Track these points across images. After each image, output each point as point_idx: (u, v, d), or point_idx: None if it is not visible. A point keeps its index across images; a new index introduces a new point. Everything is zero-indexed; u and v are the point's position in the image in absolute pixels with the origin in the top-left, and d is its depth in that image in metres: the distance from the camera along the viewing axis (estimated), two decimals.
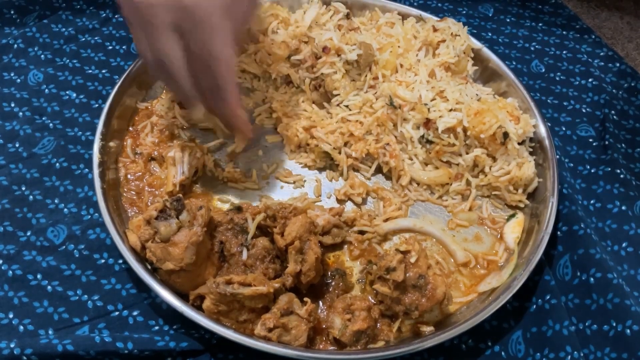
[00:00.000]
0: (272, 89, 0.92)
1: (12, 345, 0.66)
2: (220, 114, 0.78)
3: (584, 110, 0.99)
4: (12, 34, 0.99)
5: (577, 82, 1.04)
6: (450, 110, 0.83)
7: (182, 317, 0.68)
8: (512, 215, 0.84)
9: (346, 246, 0.80)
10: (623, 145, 0.94)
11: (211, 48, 0.68)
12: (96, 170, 0.78)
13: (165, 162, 0.82)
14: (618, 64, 1.06)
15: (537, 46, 1.09)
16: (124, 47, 1.00)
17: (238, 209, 0.76)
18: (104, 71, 0.96)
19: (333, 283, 0.76)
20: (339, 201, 0.85)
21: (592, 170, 0.91)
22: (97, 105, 0.91)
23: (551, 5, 1.16)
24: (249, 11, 0.78)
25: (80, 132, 0.88)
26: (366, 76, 0.90)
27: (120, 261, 0.76)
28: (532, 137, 0.86)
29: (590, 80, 1.03)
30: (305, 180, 0.86)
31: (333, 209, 0.80)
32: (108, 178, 0.79)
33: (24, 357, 0.66)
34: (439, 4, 1.15)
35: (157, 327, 0.72)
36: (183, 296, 0.70)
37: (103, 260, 0.76)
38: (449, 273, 0.79)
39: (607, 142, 0.93)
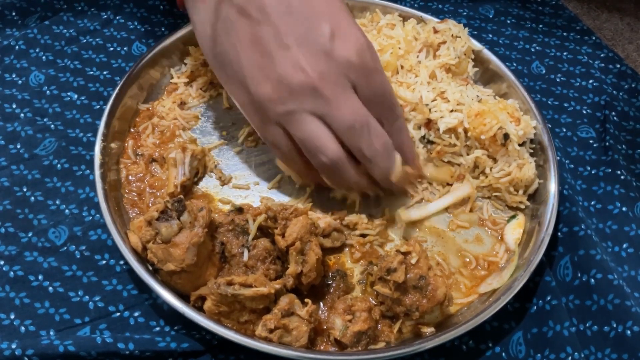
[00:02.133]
0: None
1: (13, 346, 0.66)
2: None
3: (584, 112, 0.99)
4: (14, 35, 0.99)
5: (578, 84, 1.04)
6: (451, 111, 0.83)
7: (183, 318, 0.68)
8: (513, 217, 0.84)
9: (347, 249, 0.80)
10: (623, 146, 0.94)
11: (384, 84, 0.72)
12: (97, 172, 0.78)
13: (167, 163, 0.82)
14: (618, 66, 1.06)
15: (537, 47, 1.09)
16: (125, 48, 1.00)
17: (239, 210, 0.76)
18: (105, 72, 0.96)
19: (334, 284, 0.76)
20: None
21: (593, 172, 0.91)
22: (98, 106, 0.92)
23: (552, 7, 1.17)
24: None
25: (81, 134, 0.88)
26: None
27: (122, 262, 0.76)
28: (532, 139, 0.86)
29: (590, 81, 1.04)
30: None
31: (335, 212, 0.80)
32: (109, 179, 0.79)
33: (26, 358, 0.65)
34: (440, 6, 1.15)
35: (158, 328, 0.72)
36: (184, 297, 0.70)
37: (104, 261, 0.76)
38: (450, 274, 0.79)
39: (607, 144, 0.93)
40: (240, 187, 0.84)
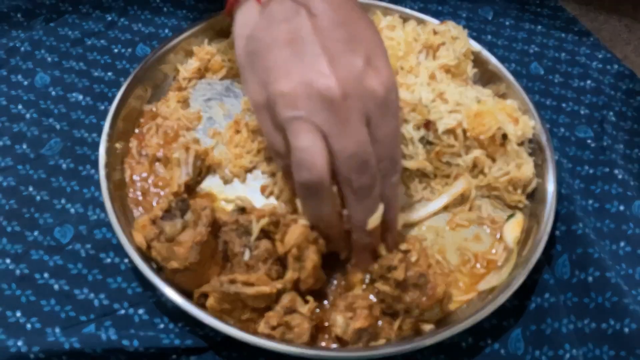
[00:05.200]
0: None
1: (19, 344, 0.67)
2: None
3: (582, 112, 1.00)
4: (19, 37, 1.00)
5: (576, 84, 1.04)
6: (451, 111, 0.84)
7: (186, 316, 0.69)
8: (512, 215, 0.84)
9: None
10: (621, 146, 0.95)
11: (397, 131, 0.69)
12: (102, 171, 0.79)
13: (170, 163, 0.83)
14: (616, 66, 1.06)
15: (536, 49, 1.10)
16: (129, 50, 1.01)
17: (242, 210, 0.76)
18: (109, 74, 0.97)
19: (335, 282, 0.76)
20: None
21: (591, 171, 0.92)
22: (103, 107, 0.92)
23: (550, 9, 1.17)
24: None
25: (86, 134, 0.89)
26: None
27: (126, 260, 0.77)
28: (531, 139, 0.87)
29: (588, 82, 1.04)
30: None
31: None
32: (114, 179, 0.80)
33: (31, 355, 0.67)
34: (440, 8, 1.15)
35: (162, 325, 0.73)
36: (188, 295, 0.70)
37: (109, 260, 0.77)
38: (449, 272, 0.79)
39: (605, 143, 0.94)
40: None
